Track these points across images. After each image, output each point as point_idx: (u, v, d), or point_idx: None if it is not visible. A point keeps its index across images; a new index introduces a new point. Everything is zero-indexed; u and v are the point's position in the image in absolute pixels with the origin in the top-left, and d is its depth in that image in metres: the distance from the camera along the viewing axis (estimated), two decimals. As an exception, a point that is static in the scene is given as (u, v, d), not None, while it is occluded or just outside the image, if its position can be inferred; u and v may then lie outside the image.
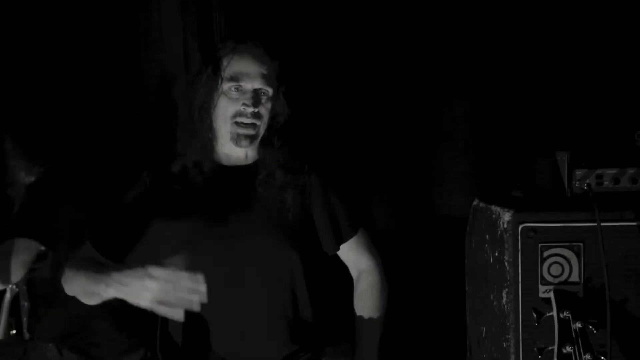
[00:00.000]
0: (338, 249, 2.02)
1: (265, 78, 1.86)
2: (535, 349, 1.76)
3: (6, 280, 2.30)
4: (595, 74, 2.66)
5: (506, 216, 1.84)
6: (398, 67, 2.79)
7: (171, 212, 1.86)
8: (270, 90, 1.87)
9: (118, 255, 1.86)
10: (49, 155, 2.59)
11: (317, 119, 2.70)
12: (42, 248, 2.37)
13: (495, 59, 2.73)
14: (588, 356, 1.61)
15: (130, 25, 3.04)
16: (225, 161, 1.93)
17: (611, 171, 1.96)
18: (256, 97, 1.85)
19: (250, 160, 1.95)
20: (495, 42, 2.73)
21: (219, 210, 1.87)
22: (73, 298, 2.45)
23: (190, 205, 1.86)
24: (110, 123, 3.03)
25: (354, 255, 2.05)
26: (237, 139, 1.86)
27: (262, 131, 1.89)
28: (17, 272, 2.31)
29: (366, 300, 2.02)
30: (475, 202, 2.05)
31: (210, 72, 1.87)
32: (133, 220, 1.87)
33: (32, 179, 2.56)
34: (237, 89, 1.84)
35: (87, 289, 1.72)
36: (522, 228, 1.82)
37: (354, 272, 2.08)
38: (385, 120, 2.84)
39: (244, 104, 1.84)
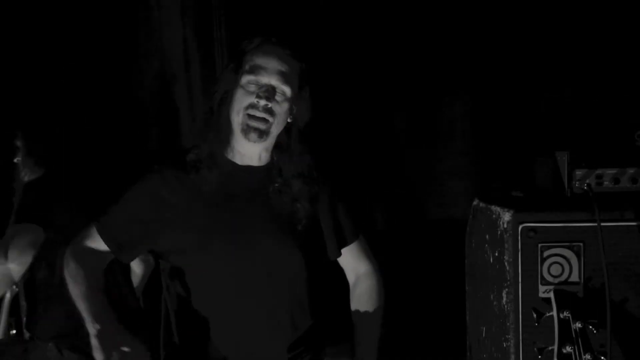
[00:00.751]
0: (340, 253, 2.02)
1: (284, 76, 1.84)
2: (535, 349, 1.76)
3: (19, 261, 2.32)
4: (595, 74, 2.66)
5: (506, 216, 1.84)
6: (397, 67, 2.79)
7: (182, 208, 1.85)
8: (287, 90, 1.85)
9: (122, 246, 1.86)
10: (50, 154, 2.59)
11: (318, 118, 2.69)
12: (44, 235, 2.38)
13: (495, 60, 2.73)
14: (588, 356, 1.61)
15: (130, 26, 3.04)
16: (238, 160, 1.92)
17: (611, 171, 1.95)
18: (271, 93, 1.83)
19: (263, 163, 1.92)
20: (495, 42, 2.73)
21: (229, 210, 1.86)
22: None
23: (201, 202, 1.86)
24: (110, 123, 3.04)
25: (353, 259, 2.06)
26: (246, 131, 1.82)
27: (274, 130, 1.86)
28: (27, 252, 2.32)
29: (365, 302, 2.02)
30: (475, 202, 2.05)
31: (232, 66, 1.87)
32: (141, 213, 1.85)
33: (31, 177, 2.56)
34: (254, 82, 1.84)
35: (77, 306, 1.78)
36: (522, 228, 1.82)
37: (351, 276, 2.08)
38: (386, 120, 2.84)
39: (257, 96, 1.82)
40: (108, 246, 1.85)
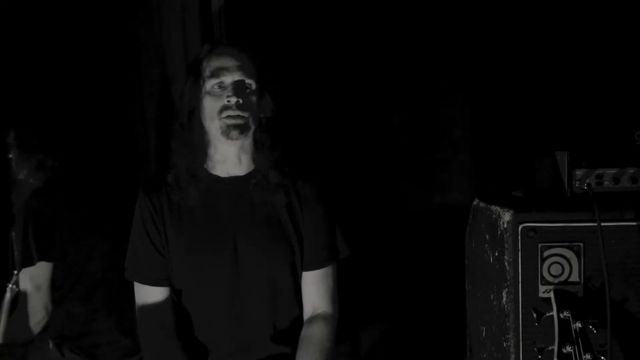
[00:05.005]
0: (304, 270, 1.93)
1: (245, 70, 1.87)
2: (535, 349, 1.76)
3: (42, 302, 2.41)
4: (595, 74, 2.66)
5: (506, 216, 1.84)
6: (396, 65, 2.79)
7: (172, 227, 1.88)
8: (252, 83, 1.88)
9: (155, 278, 1.90)
10: (58, 160, 2.59)
11: (315, 117, 2.70)
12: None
13: (495, 59, 2.73)
14: (588, 356, 1.61)
15: (130, 25, 3.04)
16: (219, 171, 1.93)
17: (611, 171, 1.95)
18: (239, 89, 1.85)
19: (244, 168, 1.93)
20: (495, 41, 2.73)
21: (216, 223, 1.87)
22: (72, 299, 2.47)
23: (187, 219, 1.88)
24: (110, 124, 3.04)
25: (315, 290, 1.92)
26: (227, 131, 1.84)
27: (251, 124, 1.88)
28: (46, 294, 2.36)
29: (313, 349, 1.84)
30: (475, 202, 2.05)
31: (192, 78, 1.90)
32: (151, 242, 1.89)
33: (37, 183, 2.56)
34: (219, 85, 1.86)
35: None
36: (522, 228, 1.82)
37: (308, 308, 1.93)
38: (384, 119, 2.84)
39: (227, 97, 1.84)
40: (150, 284, 1.89)
